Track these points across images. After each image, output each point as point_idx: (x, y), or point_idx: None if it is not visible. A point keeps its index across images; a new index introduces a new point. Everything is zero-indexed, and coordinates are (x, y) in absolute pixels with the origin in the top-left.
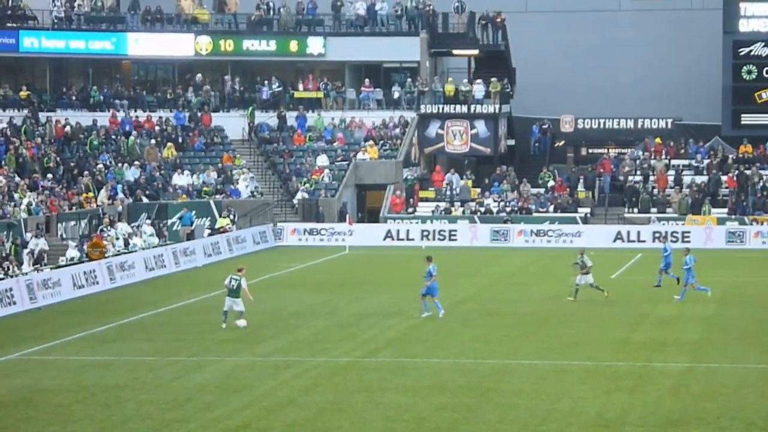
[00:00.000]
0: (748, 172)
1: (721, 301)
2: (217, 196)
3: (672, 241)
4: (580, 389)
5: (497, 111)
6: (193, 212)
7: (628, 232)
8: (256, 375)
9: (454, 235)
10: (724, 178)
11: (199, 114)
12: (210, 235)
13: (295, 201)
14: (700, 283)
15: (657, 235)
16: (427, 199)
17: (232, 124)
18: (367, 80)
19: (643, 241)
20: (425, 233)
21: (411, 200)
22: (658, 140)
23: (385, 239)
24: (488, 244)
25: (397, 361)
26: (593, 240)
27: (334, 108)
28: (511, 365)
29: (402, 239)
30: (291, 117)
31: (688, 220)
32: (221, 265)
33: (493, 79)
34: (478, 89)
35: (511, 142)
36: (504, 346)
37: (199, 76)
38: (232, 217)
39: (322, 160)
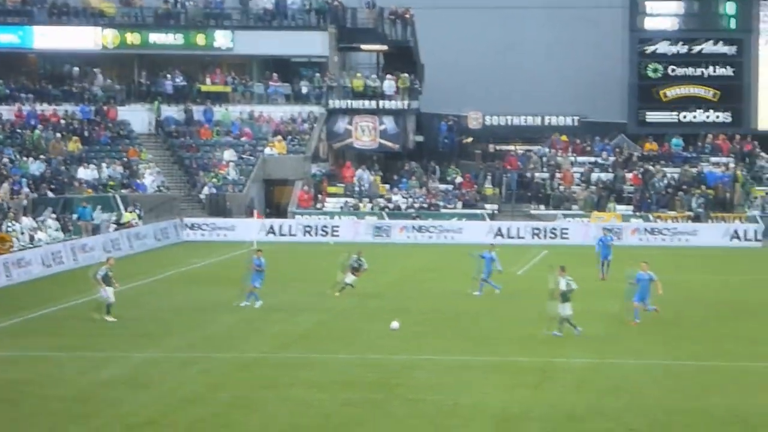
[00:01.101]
0: (652, 169)
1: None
2: (123, 191)
3: (551, 237)
4: (485, 384)
5: (405, 107)
6: (97, 206)
7: (508, 229)
8: (162, 371)
9: (336, 231)
10: (628, 175)
11: (104, 108)
12: (116, 230)
13: (201, 196)
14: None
15: (536, 231)
16: (335, 195)
17: (138, 117)
18: (274, 74)
19: (522, 238)
20: (307, 229)
21: (319, 196)
22: (564, 137)
23: (267, 234)
24: (371, 239)
25: (305, 357)
26: (471, 236)
27: (241, 102)
28: (418, 361)
29: (284, 234)
30: (198, 111)
31: (593, 216)
32: (123, 261)
33: (401, 75)
34: (387, 85)
35: (420, 138)
36: (411, 342)
37: (98, 71)
38: (138, 212)
39: (230, 154)
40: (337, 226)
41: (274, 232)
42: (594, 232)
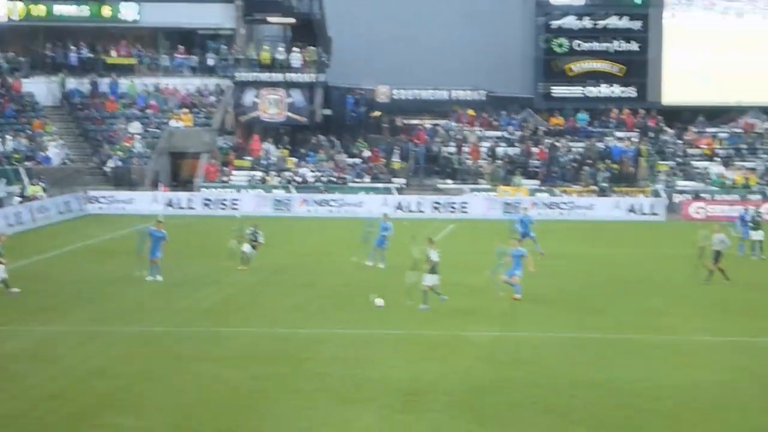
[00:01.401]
0: (558, 144)
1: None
2: (27, 163)
3: (450, 211)
4: (393, 358)
5: (313, 80)
6: (2, 180)
7: (409, 203)
8: (67, 344)
9: (236, 204)
10: (534, 149)
11: (9, 80)
12: (21, 203)
13: (106, 169)
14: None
15: (436, 205)
16: (242, 168)
17: (43, 90)
18: (181, 47)
19: (423, 212)
20: (206, 202)
21: (226, 169)
22: (471, 112)
23: (167, 207)
24: (271, 213)
25: (212, 331)
26: (372, 210)
27: (147, 75)
28: (326, 334)
29: (183, 207)
30: (103, 83)
31: (500, 191)
32: (26, 234)
33: (309, 48)
34: (294, 58)
35: (328, 111)
36: (318, 315)
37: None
38: (42, 185)
39: (135, 127)
40: (237, 200)
41: (172, 205)
42: (495, 206)
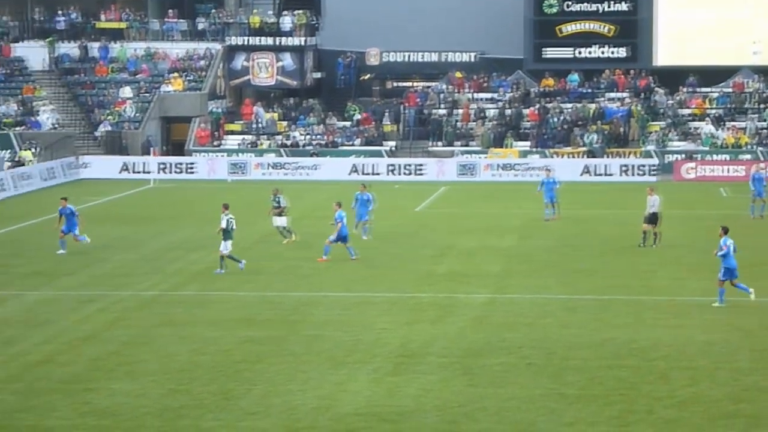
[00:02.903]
0: (549, 105)
1: (522, 233)
2: (18, 128)
3: (405, 173)
4: (385, 321)
5: (304, 44)
6: None
7: (363, 165)
8: (58, 309)
9: (191, 168)
10: (526, 111)
11: None
12: (12, 167)
13: (97, 134)
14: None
15: (391, 168)
16: (233, 132)
17: (34, 54)
18: (171, 11)
19: (378, 174)
20: (162, 166)
21: (217, 133)
22: (460, 74)
23: (121, 172)
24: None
25: (203, 295)
26: (329, 174)
27: (137, 39)
28: (317, 298)
29: (138, 172)
30: (94, 48)
31: (491, 153)
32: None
33: (299, 11)
34: (285, 21)
35: (318, 75)
36: (310, 279)
37: None
38: (34, 150)
39: (126, 91)
40: (193, 163)
41: (128, 169)
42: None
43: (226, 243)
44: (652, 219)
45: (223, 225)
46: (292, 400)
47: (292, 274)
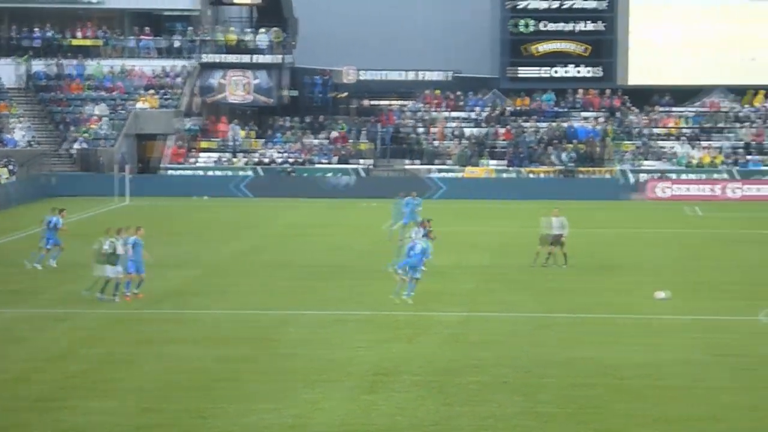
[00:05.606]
0: (525, 124)
1: (497, 251)
2: None
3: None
4: (360, 339)
5: (279, 61)
6: None
7: None
8: (34, 327)
9: (167, 185)
10: (501, 130)
11: None
12: None
13: (72, 151)
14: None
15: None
16: (208, 150)
17: (8, 71)
18: (146, 28)
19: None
20: (136, 183)
21: (192, 151)
22: (437, 92)
23: (94, 189)
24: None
25: (179, 313)
26: None
27: (113, 56)
28: (293, 316)
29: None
30: (69, 65)
31: (467, 171)
32: None
33: (275, 29)
34: (260, 39)
35: (294, 92)
36: (286, 297)
37: None
38: (11, 167)
39: (101, 109)
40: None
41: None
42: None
43: (114, 268)
44: (556, 240)
45: (107, 248)
46: (266, 418)
47: (266, 292)
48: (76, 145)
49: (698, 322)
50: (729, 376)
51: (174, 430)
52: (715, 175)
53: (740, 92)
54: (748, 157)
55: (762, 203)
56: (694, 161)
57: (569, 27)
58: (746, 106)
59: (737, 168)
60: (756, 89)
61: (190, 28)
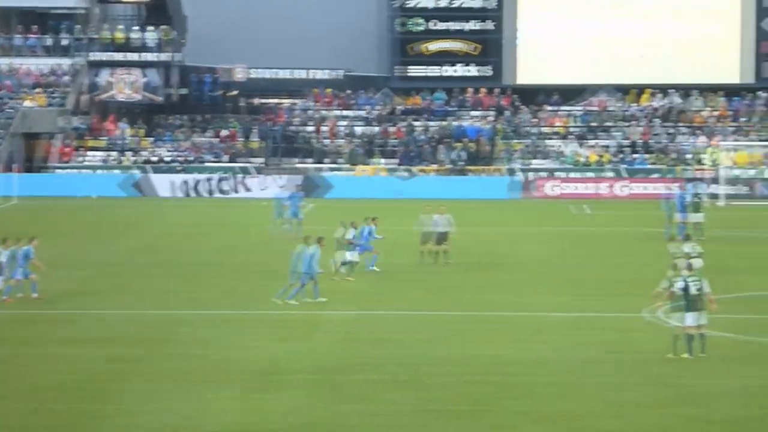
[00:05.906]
0: (416, 123)
1: (387, 249)
2: None
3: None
4: (254, 338)
5: (168, 59)
6: None
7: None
8: None
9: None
10: (392, 129)
11: None
12: None
13: None
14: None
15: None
16: (96, 149)
17: None
18: (34, 26)
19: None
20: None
21: (79, 150)
22: (329, 91)
23: None
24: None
25: (69, 313)
26: None
27: (0, 55)
28: (186, 316)
29: None
30: None
31: (359, 170)
32: None
33: (163, 27)
34: (149, 37)
35: (184, 91)
36: (178, 296)
37: None
38: None
39: None
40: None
41: None
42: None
43: None
44: (443, 238)
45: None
46: (158, 419)
47: (158, 291)
48: None
49: (585, 319)
50: (615, 372)
51: (64, 431)
52: (603, 174)
53: (627, 91)
54: (635, 155)
55: (649, 201)
56: (582, 160)
57: (459, 26)
58: (633, 104)
59: (624, 166)
60: (641, 88)
61: (77, 26)
